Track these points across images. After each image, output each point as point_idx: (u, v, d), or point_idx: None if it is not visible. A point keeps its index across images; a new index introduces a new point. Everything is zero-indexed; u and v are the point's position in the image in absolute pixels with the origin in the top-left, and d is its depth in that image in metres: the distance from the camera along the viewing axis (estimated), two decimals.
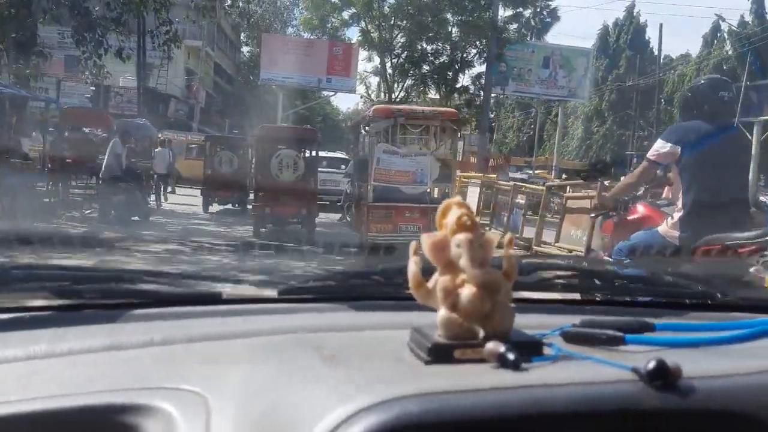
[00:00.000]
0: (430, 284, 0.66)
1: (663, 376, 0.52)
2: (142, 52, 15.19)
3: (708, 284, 0.97)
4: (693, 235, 2.63)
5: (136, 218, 9.40)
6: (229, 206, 12.83)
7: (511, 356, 0.57)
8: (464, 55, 23.89)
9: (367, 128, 8.04)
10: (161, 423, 0.55)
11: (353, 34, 28.06)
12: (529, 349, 0.59)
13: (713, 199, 2.72)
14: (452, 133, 8.39)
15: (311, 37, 28.30)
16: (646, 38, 34.23)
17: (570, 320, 0.69)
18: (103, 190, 9.64)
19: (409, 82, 25.11)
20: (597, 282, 1.02)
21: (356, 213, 8.99)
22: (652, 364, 0.52)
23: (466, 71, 23.89)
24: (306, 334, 0.72)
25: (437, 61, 23.66)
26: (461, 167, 13.78)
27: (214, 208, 12.99)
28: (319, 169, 10.69)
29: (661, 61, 30.03)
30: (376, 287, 0.94)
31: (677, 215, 2.84)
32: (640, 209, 3.63)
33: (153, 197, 11.45)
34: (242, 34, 38.07)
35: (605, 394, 0.51)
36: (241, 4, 27.06)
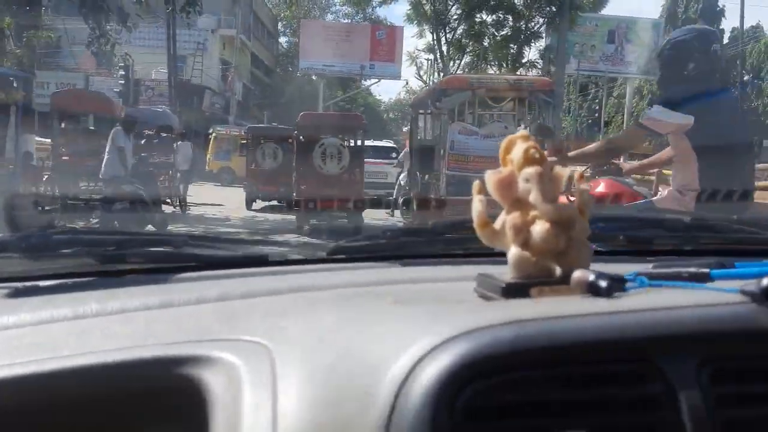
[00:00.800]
0: (496, 224, 0.64)
1: None
2: (172, 41, 14.15)
3: None
4: None
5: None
6: (275, 202, 12.26)
7: (603, 283, 0.54)
8: (530, 25, 21.53)
9: (436, 104, 6.60)
10: (224, 374, 0.54)
11: (402, 7, 26.01)
12: (616, 281, 0.56)
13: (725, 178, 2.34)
14: (544, 108, 6.87)
15: (352, 22, 26.75)
16: (719, 7, 31.47)
17: (643, 267, 0.65)
18: (104, 194, 7.77)
19: (466, 59, 23.10)
20: (665, 232, 0.97)
21: (418, 209, 7.52)
22: (765, 282, 0.49)
23: (532, 44, 21.63)
24: (364, 288, 0.72)
25: (499, 34, 21.53)
26: None
27: (258, 205, 12.30)
28: (366, 159, 10.10)
29: (731, 33, 27.50)
30: (430, 244, 0.93)
31: (690, 196, 2.38)
32: (604, 185, 3.45)
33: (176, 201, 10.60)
34: (280, 23, 37.12)
35: (719, 315, 0.48)
36: None
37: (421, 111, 8.85)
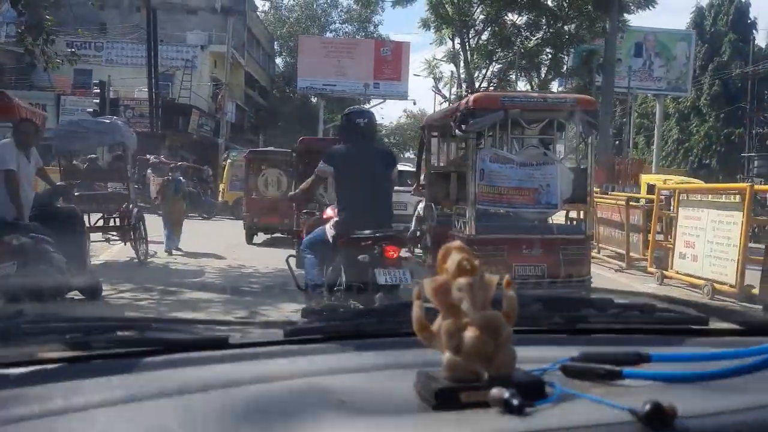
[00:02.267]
0: (434, 327, 0.75)
1: (659, 418, 0.58)
2: (153, 53, 13.31)
3: (702, 309, 1.07)
4: (344, 234, 3.96)
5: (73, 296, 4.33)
6: (278, 234, 11.50)
7: (515, 402, 0.64)
8: (568, 28, 19.40)
9: (461, 127, 5.61)
10: None
11: (408, 20, 24.62)
12: (531, 391, 0.67)
13: (360, 207, 4.07)
14: (587, 130, 5.90)
15: (354, 37, 25.98)
16: (750, 19, 30.75)
17: (569, 351, 0.77)
18: None
19: (494, 67, 20.78)
20: (593, 311, 1.10)
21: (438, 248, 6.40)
22: (648, 407, 0.58)
23: (571, 50, 19.64)
24: (315, 378, 0.81)
25: (534, 38, 19.38)
26: None
27: (259, 238, 11.81)
28: None
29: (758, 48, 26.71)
30: (381, 325, 1.05)
31: (334, 219, 4.21)
32: (328, 211, 4.62)
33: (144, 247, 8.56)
34: (276, 43, 36.63)
35: None
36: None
37: (434, 133, 7.87)
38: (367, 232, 3.91)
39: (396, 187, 11.25)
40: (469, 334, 0.72)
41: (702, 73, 29.48)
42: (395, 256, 3.87)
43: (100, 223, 8.80)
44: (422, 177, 14.72)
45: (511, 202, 6.08)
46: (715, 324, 1.05)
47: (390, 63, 25.86)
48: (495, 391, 0.67)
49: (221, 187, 17.87)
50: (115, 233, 8.76)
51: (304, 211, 5.98)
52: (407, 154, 15.95)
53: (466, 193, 6.04)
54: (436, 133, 8.13)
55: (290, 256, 4.69)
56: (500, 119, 6.03)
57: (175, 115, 22.36)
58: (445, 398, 0.69)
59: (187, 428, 0.68)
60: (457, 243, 0.77)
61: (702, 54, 29.57)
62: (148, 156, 16.88)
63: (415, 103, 38.57)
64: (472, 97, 6.25)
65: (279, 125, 31.28)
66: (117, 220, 8.69)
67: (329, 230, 4.16)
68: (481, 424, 0.61)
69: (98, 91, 17.79)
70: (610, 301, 1.13)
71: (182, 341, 0.96)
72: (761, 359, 0.71)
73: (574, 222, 6.86)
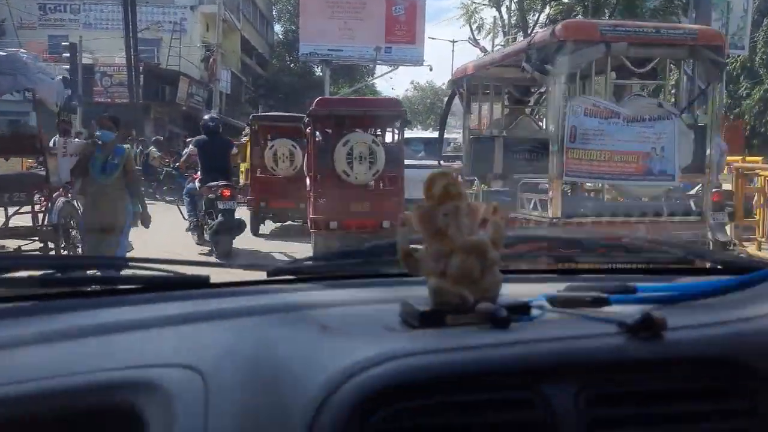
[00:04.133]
0: (419, 254, 0.79)
1: (649, 328, 0.62)
2: (130, 9, 11.95)
3: (688, 250, 1.10)
4: (203, 184, 7.88)
5: None
6: (291, 223, 10.26)
7: (501, 315, 0.69)
8: None
9: (545, 66, 4.25)
10: (157, 399, 0.66)
11: None
12: (517, 311, 0.72)
13: (211, 173, 7.82)
14: (713, 72, 4.51)
15: None
16: None
17: (555, 287, 0.82)
18: None
19: (550, 10, 18.29)
20: (580, 251, 1.15)
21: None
22: (637, 317, 0.63)
23: None
24: (297, 311, 0.86)
25: None
26: None
27: (266, 227, 10.25)
28: (408, 162, 8.17)
29: None
30: (365, 265, 1.08)
31: (198, 178, 8.16)
32: (198, 174, 8.34)
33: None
34: (274, 8, 35.15)
35: (592, 347, 0.62)
36: None
37: (473, 85, 6.65)
38: (213, 183, 7.66)
39: (424, 161, 9.39)
40: (455, 258, 0.76)
41: (756, 29, 27.72)
42: (228, 194, 7.56)
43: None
44: (450, 146, 12.97)
45: (611, 173, 4.74)
46: (702, 264, 1.12)
47: (403, 23, 24.45)
48: (481, 305, 0.72)
49: (242, 167, 13.62)
50: (30, 236, 6.18)
51: (185, 174, 9.88)
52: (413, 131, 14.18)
53: (550, 161, 4.72)
54: (476, 89, 7.04)
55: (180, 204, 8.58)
56: (600, 55, 4.67)
57: (162, 83, 21.17)
58: (429, 321, 0.73)
59: (164, 357, 0.73)
60: (441, 170, 0.82)
61: (758, 4, 27.70)
62: (133, 132, 15.55)
63: (431, 69, 36.90)
64: (560, 25, 4.91)
65: (280, 97, 29.92)
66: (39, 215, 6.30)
67: (197, 183, 8.13)
68: (465, 338, 0.66)
69: (68, 55, 16.44)
70: (596, 240, 1.21)
71: (163, 279, 1.00)
72: (747, 277, 0.76)
73: (692, 200, 5.51)
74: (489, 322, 0.69)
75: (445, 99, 8.16)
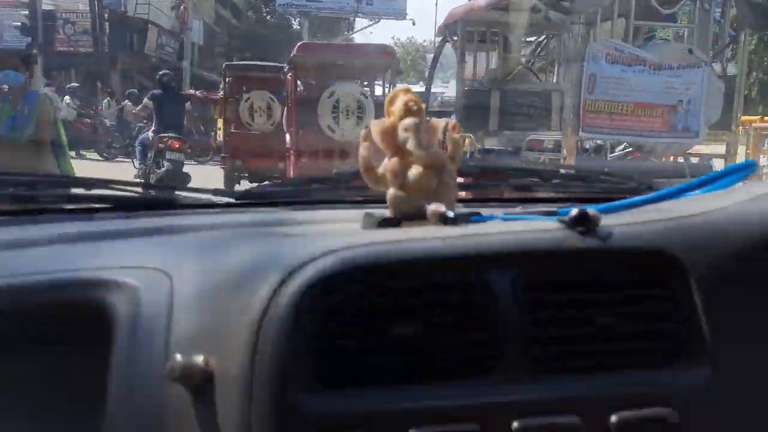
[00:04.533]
0: (380, 169, 0.85)
1: (584, 223, 0.69)
2: None
3: (640, 181, 1.16)
4: (155, 135, 8.08)
5: None
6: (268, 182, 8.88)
7: (450, 214, 0.75)
8: None
9: (563, 3, 3.75)
10: (125, 297, 0.72)
11: None
12: (468, 216, 0.78)
13: (164, 126, 8.00)
14: (751, 14, 4.05)
15: None
16: None
17: (511, 211, 0.89)
18: None
19: None
20: (537, 180, 1.22)
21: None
22: (575, 212, 0.69)
23: None
24: (262, 227, 0.94)
25: None
26: None
27: (242, 188, 9.18)
28: None
29: None
30: (333, 191, 1.15)
31: (153, 128, 8.31)
32: (152, 126, 8.56)
33: None
34: None
35: (531, 238, 0.69)
36: None
37: (468, 32, 6.03)
38: (164, 135, 7.63)
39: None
40: (414, 171, 0.81)
41: None
42: (177, 145, 7.58)
43: None
44: (438, 100, 12.28)
45: (632, 128, 4.27)
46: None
47: None
48: (432, 206, 0.77)
49: (219, 123, 13.42)
50: None
51: (140, 124, 10.41)
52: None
53: (564, 115, 4.22)
54: (471, 35, 6.62)
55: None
56: None
57: (129, 32, 20.05)
58: (386, 226, 0.80)
59: (133, 261, 0.78)
60: (403, 86, 0.89)
61: None
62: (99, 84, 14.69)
63: (414, 24, 36.09)
64: None
65: (255, 51, 28.84)
66: None
67: (150, 134, 8.31)
68: (413, 232, 0.73)
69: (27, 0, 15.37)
70: (554, 171, 1.26)
71: (133, 199, 1.05)
72: (687, 183, 0.81)
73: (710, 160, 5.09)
74: (439, 222, 0.75)
75: (429, 56, 7.65)
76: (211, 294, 0.68)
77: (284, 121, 8.01)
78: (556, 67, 6.18)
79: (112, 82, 17.29)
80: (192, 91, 12.36)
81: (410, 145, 0.81)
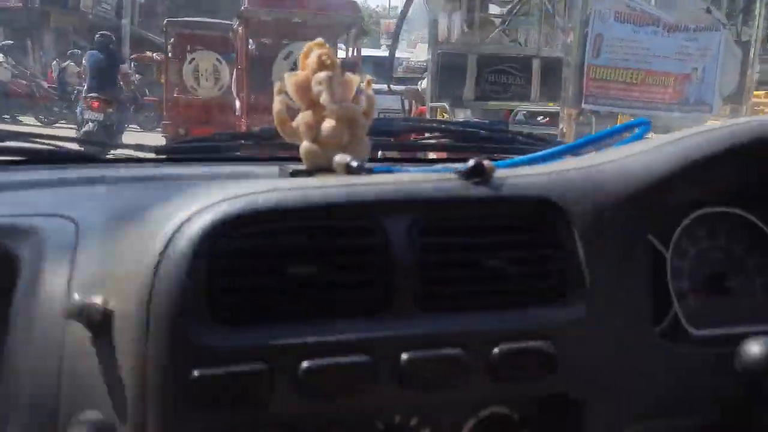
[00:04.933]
0: (294, 122, 0.87)
1: (479, 173, 0.73)
2: None
3: (555, 142, 1.35)
4: (87, 94, 8.45)
5: None
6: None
7: (354, 164, 0.79)
8: None
9: None
10: (31, 242, 0.75)
11: None
12: (366, 165, 0.82)
13: (96, 87, 8.26)
14: None
15: None
16: None
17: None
18: None
19: None
20: (455, 139, 1.29)
21: None
22: (470, 163, 0.74)
23: None
24: (177, 180, 0.98)
25: None
26: None
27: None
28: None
29: None
30: (255, 148, 1.17)
31: (86, 86, 8.59)
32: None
33: None
34: None
35: (427, 187, 0.73)
36: None
37: None
38: (88, 95, 8.17)
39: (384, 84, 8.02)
40: (326, 124, 0.84)
41: None
42: (96, 105, 8.01)
43: None
44: (402, 66, 11.65)
45: (641, 100, 3.73)
46: None
47: None
48: (338, 157, 0.81)
49: None
50: None
51: (78, 87, 10.55)
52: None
53: (563, 85, 3.65)
54: None
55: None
56: None
57: None
58: (300, 177, 0.85)
59: (42, 209, 0.80)
60: (318, 40, 0.86)
61: None
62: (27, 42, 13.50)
63: None
64: None
65: (203, 11, 27.37)
66: None
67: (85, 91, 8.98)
68: (317, 180, 0.77)
69: None
70: (476, 131, 1.29)
71: (52, 153, 1.06)
72: (579, 141, 0.91)
73: None
74: (345, 171, 0.79)
75: (384, 22, 7.00)
76: (113, 238, 0.72)
77: (234, 86, 7.46)
78: (540, 29, 5.65)
79: (45, 41, 16.06)
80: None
81: (323, 98, 0.83)
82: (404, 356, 0.66)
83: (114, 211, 0.78)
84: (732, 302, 0.87)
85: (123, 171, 1.01)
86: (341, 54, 7.09)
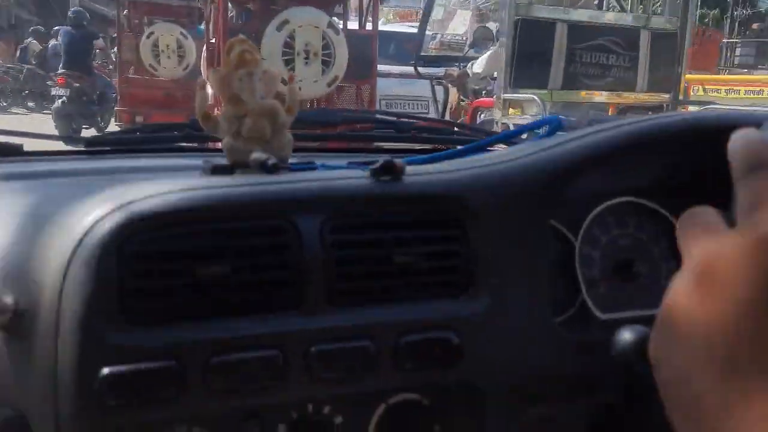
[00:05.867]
0: (219, 117, 0.91)
1: (389, 172, 0.77)
2: None
3: (488, 133, 1.38)
4: (62, 71, 9.27)
5: None
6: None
7: (270, 162, 0.81)
8: None
9: None
10: None
11: None
12: (283, 164, 0.86)
13: (69, 64, 8.89)
14: None
15: None
16: None
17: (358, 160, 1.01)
18: None
19: None
20: (391, 132, 1.32)
21: None
22: (380, 162, 0.77)
23: None
24: (100, 175, 0.97)
25: None
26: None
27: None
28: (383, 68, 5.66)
29: None
30: (185, 140, 1.18)
31: (63, 62, 9.42)
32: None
33: None
34: None
35: (338, 185, 0.77)
36: None
37: None
38: (62, 70, 8.77)
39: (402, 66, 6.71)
40: (248, 119, 0.87)
41: None
42: (62, 81, 8.58)
43: None
44: (435, 41, 10.76)
45: None
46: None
47: None
48: (255, 154, 0.83)
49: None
50: None
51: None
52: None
53: None
54: None
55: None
56: None
57: None
58: (219, 172, 0.86)
59: None
60: (240, 36, 0.90)
61: None
62: None
63: None
64: None
65: None
66: None
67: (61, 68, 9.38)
68: (231, 179, 0.79)
69: None
70: (409, 123, 1.34)
71: None
72: (492, 137, 1.02)
73: None
74: (261, 169, 0.81)
75: None
76: (25, 238, 0.73)
77: (203, 65, 6.10)
78: None
79: None
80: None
81: (245, 95, 0.86)
82: (313, 349, 0.70)
83: (27, 208, 0.79)
84: (639, 287, 0.93)
85: (44, 165, 1.02)
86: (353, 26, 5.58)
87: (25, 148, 1.12)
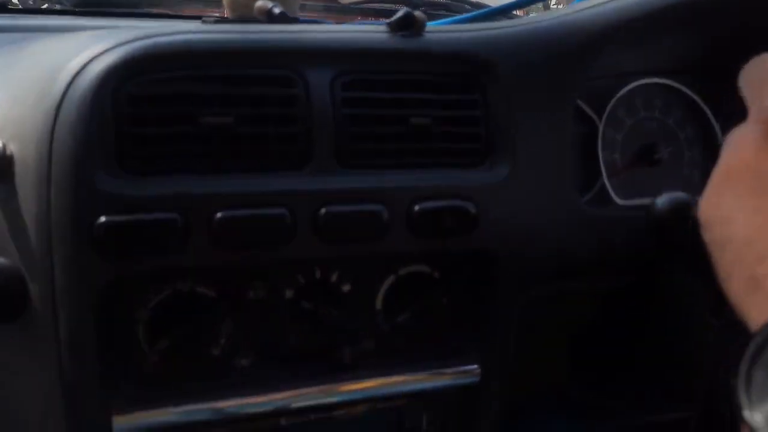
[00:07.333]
0: None
1: (409, 26, 0.72)
2: None
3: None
4: None
5: None
6: None
7: (276, 10, 0.77)
8: None
9: None
10: None
11: None
12: (298, 18, 0.81)
13: None
14: None
15: None
16: None
17: None
18: None
19: None
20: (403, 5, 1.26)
21: None
22: (400, 14, 0.71)
23: None
24: (88, 30, 0.90)
25: None
26: None
27: None
28: None
29: None
30: (180, 4, 1.19)
31: None
32: None
33: None
34: None
35: (353, 38, 0.72)
36: None
37: None
38: None
39: None
40: None
41: None
42: None
43: None
44: None
45: None
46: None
47: None
48: (260, 3, 0.79)
49: None
50: None
51: None
52: None
53: None
54: None
55: None
56: None
57: None
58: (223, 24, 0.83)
59: None
60: None
61: None
62: None
63: None
64: None
65: None
66: None
67: None
68: (235, 26, 0.73)
69: None
70: None
71: None
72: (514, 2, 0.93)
73: None
74: (267, 19, 0.77)
75: None
76: (14, 84, 0.68)
77: None
78: None
79: None
80: None
81: None
82: (323, 210, 0.66)
83: (15, 56, 0.74)
84: (660, 174, 0.89)
85: (30, 21, 0.98)
86: None
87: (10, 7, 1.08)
